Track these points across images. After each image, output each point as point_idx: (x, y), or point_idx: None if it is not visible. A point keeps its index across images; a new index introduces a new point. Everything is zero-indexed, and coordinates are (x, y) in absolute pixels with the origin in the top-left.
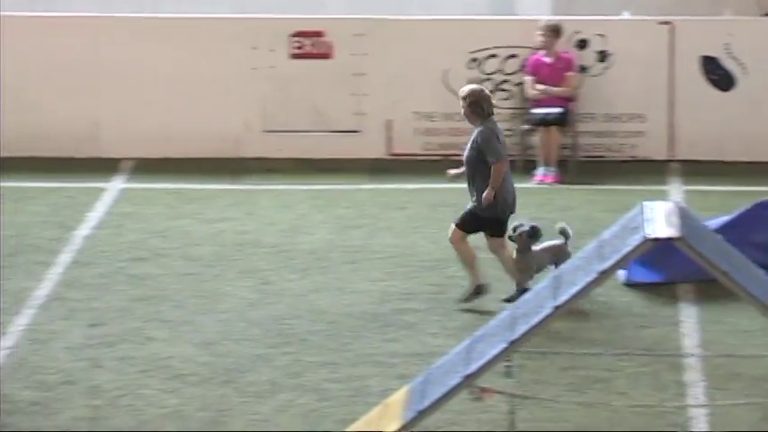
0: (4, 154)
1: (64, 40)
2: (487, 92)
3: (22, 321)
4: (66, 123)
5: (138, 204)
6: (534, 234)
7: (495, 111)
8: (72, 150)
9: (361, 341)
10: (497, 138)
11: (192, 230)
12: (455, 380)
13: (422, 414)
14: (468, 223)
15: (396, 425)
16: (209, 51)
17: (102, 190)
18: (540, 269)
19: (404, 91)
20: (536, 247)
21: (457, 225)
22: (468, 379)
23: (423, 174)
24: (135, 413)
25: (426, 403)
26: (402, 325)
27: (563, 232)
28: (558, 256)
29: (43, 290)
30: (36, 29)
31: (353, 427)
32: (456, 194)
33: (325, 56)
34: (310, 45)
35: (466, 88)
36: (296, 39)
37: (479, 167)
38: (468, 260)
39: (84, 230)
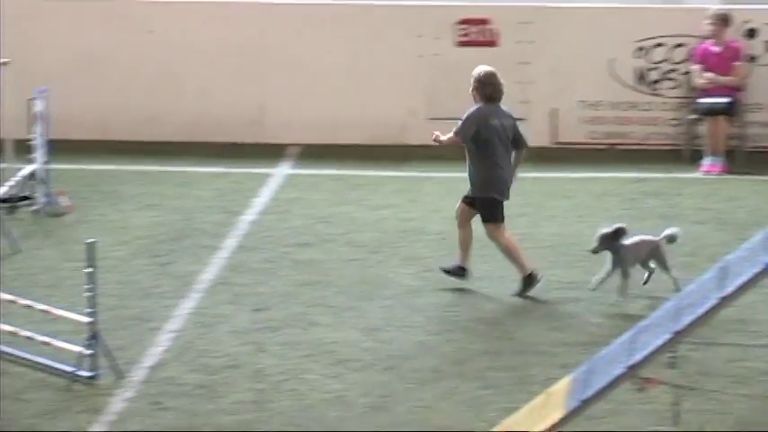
0: (171, 139)
1: (231, 26)
2: (497, 78)
3: (188, 305)
4: (232, 109)
5: (304, 190)
6: (618, 234)
7: (661, 100)
8: (238, 136)
9: (524, 330)
10: (475, 120)
11: (357, 216)
12: (618, 370)
13: (585, 403)
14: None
15: (559, 414)
16: (375, 39)
17: (267, 175)
18: (636, 262)
19: (569, 79)
20: (627, 241)
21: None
22: (632, 369)
23: (588, 163)
24: (298, 397)
25: (589, 393)
26: (565, 314)
27: (671, 239)
28: (657, 252)
29: (209, 274)
30: (204, 15)
31: (516, 415)
32: (622, 183)
33: (490, 43)
34: (476, 32)
35: (479, 69)
36: (461, 26)
37: (468, 147)
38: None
39: (249, 215)
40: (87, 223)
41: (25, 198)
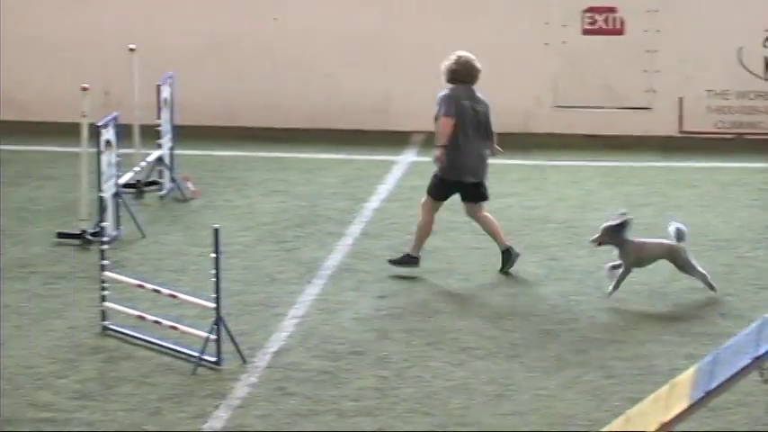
0: (296, 125)
1: (357, 13)
2: (474, 63)
3: (312, 291)
4: (357, 96)
5: (427, 178)
6: (621, 227)
7: None
8: (362, 123)
9: (649, 320)
10: (454, 101)
11: None
12: (744, 361)
13: (710, 394)
14: (436, 189)
15: (683, 404)
16: (502, 26)
17: (392, 162)
18: (649, 261)
19: (696, 68)
20: (647, 240)
21: (428, 192)
22: (758, 360)
23: (714, 152)
24: (422, 385)
25: (714, 384)
26: (690, 305)
27: (678, 234)
28: (671, 255)
29: (333, 260)
30: (329, 2)
31: (640, 405)
32: (749, 174)
33: (617, 32)
34: (603, 21)
35: (457, 53)
36: (588, 14)
37: (437, 128)
38: (420, 230)
39: (374, 202)
40: (213, 209)
41: (152, 183)
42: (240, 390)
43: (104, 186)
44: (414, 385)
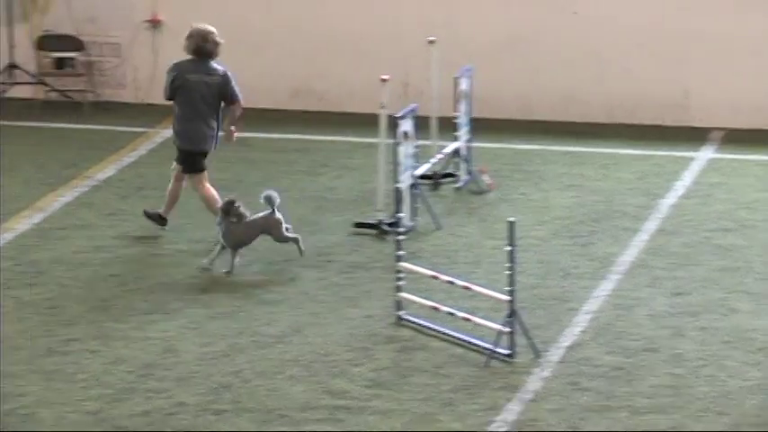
0: (592, 120)
1: (656, 5)
2: (211, 36)
3: (606, 287)
4: (655, 91)
5: (727, 175)
6: (227, 209)
7: None
8: (661, 118)
9: None
10: (171, 73)
11: None
12: None
13: None
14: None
15: None
16: None
17: (690, 159)
18: (250, 240)
19: None
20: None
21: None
22: None
23: None
24: (716, 384)
25: None
26: None
27: (268, 200)
28: (267, 226)
29: (628, 256)
30: None
31: None
32: None
33: None
34: None
35: (195, 25)
36: None
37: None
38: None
39: (670, 199)
40: (508, 202)
41: (448, 175)
42: (533, 383)
43: (401, 177)
44: (708, 384)
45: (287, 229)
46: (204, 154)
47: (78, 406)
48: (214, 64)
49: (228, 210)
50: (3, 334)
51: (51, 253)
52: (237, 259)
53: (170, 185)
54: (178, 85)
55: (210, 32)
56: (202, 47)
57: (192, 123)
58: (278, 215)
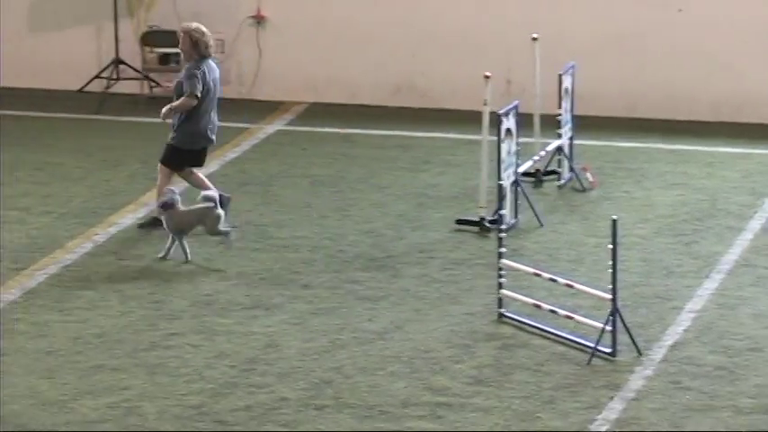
0: (698, 118)
1: (762, 3)
2: (206, 34)
3: (710, 286)
4: (760, 89)
5: None
6: (164, 206)
7: None
8: (766, 116)
9: None
10: (204, 76)
11: None
12: None
13: None
14: (169, 157)
15: None
16: None
17: None
18: (189, 229)
19: None
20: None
21: (161, 161)
22: None
23: None
24: None
25: None
26: None
27: (206, 199)
28: (204, 219)
29: (732, 255)
30: None
31: None
32: None
33: None
34: None
35: (188, 24)
36: None
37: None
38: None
39: None
40: (611, 200)
41: (551, 172)
42: (635, 382)
43: (503, 174)
44: None
45: (231, 226)
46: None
47: (181, 400)
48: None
49: (165, 207)
50: (106, 328)
51: (155, 247)
52: (174, 247)
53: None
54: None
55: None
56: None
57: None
58: (218, 211)
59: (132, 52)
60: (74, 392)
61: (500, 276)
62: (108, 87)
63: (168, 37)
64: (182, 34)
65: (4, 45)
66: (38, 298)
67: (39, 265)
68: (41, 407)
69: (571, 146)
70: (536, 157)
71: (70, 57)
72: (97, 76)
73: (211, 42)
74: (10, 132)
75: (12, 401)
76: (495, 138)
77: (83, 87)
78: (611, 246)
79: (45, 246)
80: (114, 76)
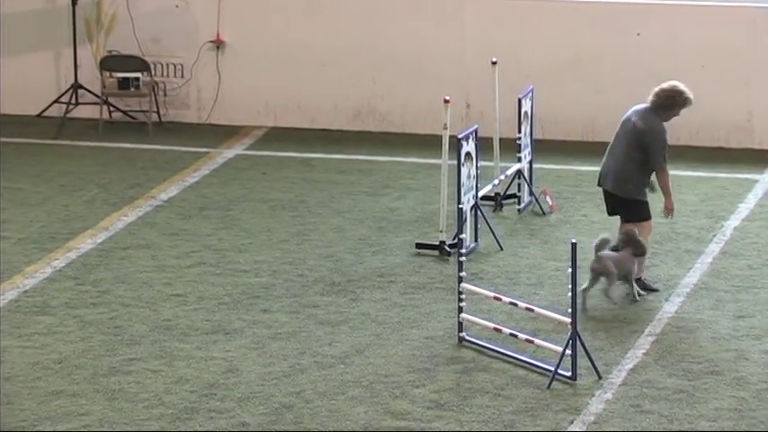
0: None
1: (719, 29)
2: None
3: (669, 309)
4: (718, 113)
5: None
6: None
7: None
8: (724, 140)
9: None
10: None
11: None
12: None
13: None
14: None
15: None
16: None
17: (754, 182)
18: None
19: None
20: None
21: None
22: None
23: None
24: None
25: None
26: None
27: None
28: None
29: (692, 278)
30: (692, 18)
31: None
32: None
33: None
34: None
35: (674, 84)
36: None
37: (638, 157)
38: None
39: (734, 221)
40: (570, 223)
41: (511, 196)
42: (595, 405)
43: (463, 198)
44: None
45: None
46: None
47: (141, 425)
48: None
49: None
50: (65, 353)
51: (114, 272)
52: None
53: None
54: None
55: None
56: None
57: None
58: None
59: (91, 77)
60: (33, 419)
61: (460, 300)
62: (67, 112)
63: (128, 62)
64: None
65: None
66: None
67: None
68: None
69: (531, 169)
70: (496, 181)
71: (29, 81)
72: (56, 101)
73: None
74: None
75: None
76: (455, 162)
77: (42, 112)
78: (570, 269)
79: (3, 271)
80: (73, 101)
